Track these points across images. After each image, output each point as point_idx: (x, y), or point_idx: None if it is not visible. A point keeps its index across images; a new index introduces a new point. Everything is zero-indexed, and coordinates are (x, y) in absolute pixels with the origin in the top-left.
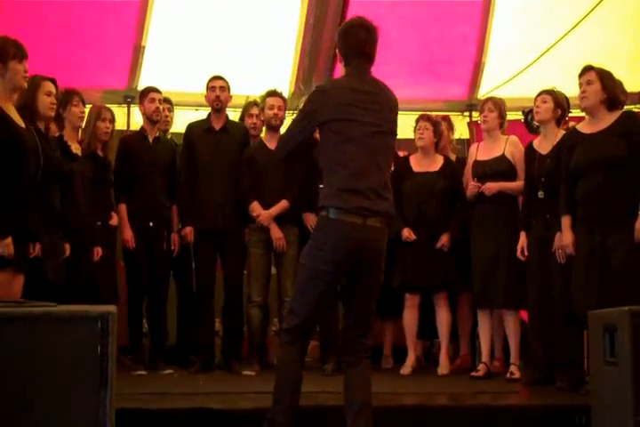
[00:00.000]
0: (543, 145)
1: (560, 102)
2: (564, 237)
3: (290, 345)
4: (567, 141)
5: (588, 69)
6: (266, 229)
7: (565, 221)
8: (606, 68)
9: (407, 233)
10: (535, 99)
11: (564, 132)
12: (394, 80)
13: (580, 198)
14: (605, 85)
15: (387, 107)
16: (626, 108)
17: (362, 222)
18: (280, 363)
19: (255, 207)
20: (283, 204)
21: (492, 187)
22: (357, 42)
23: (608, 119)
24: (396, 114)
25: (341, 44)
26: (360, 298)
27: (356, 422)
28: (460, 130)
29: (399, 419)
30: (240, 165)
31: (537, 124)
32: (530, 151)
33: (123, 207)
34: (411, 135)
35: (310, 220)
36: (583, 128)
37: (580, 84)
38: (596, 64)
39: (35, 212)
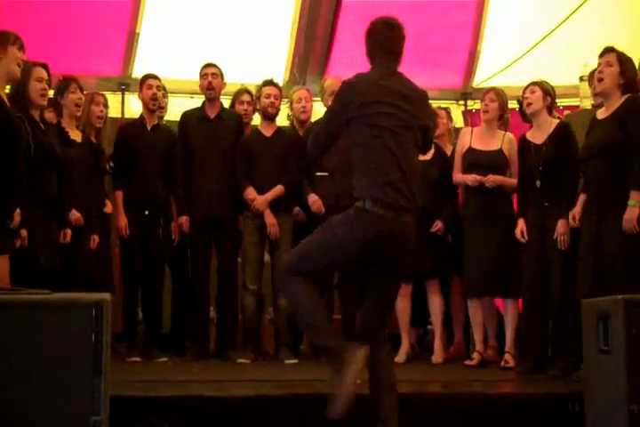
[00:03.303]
0: (537, 135)
1: (548, 90)
2: (575, 209)
3: (296, 276)
4: (588, 128)
5: (609, 51)
6: (260, 215)
7: (581, 198)
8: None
9: None
10: (523, 92)
11: (557, 121)
12: None
13: (585, 184)
14: (624, 70)
15: (413, 102)
16: None
17: (396, 217)
18: (295, 292)
19: (250, 192)
20: (279, 188)
21: (495, 179)
22: (380, 40)
23: (617, 104)
24: (425, 109)
25: (367, 42)
26: (385, 288)
27: (388, 399)
28: (455, 119)
29: None
30: (235, 153)
31: (530, 116)
32: (524, 143)
33: (119, 194)
34: None
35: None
36: (599, 113)
37: (599, 65)
38: (619, 47)
39: (22, 200)
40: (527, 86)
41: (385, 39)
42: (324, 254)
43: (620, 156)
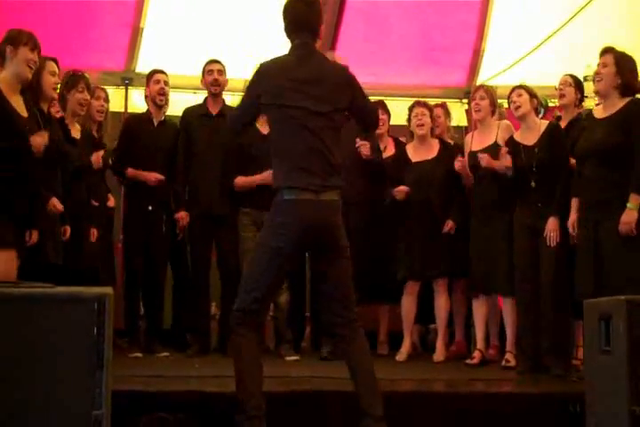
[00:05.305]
0: (527, 136)
1: (533, 92)
2: (570, 218)
3: (243, 327)
4: (581, 124)
5: (606, 51)
6: (255, 209)
7: (574, 203)
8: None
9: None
10: (509, 96)
11: (546, 122)
12: (393, 66)
13: (580, 186)
14: (621, 70)
15: (329, 85)
16: None
17: (315, 198)
18: (237, 350)
19: (239, 179)
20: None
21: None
22: (296, 17)
23: (618, 105)
24: (345, 89)
25: (284, 21)
26: (332, 273)
27: (371, 406)
28: (459, 117)
29: (394, 405)
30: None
31: (519, 119)
32: (512, 144)
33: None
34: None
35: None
36: (596, 112)
37: (598, 65)
38: (618, 47)
39: (36, 199)
40: (512, 90)
41: (301, 16)
42: (265, 267)
43: (618, 158)
